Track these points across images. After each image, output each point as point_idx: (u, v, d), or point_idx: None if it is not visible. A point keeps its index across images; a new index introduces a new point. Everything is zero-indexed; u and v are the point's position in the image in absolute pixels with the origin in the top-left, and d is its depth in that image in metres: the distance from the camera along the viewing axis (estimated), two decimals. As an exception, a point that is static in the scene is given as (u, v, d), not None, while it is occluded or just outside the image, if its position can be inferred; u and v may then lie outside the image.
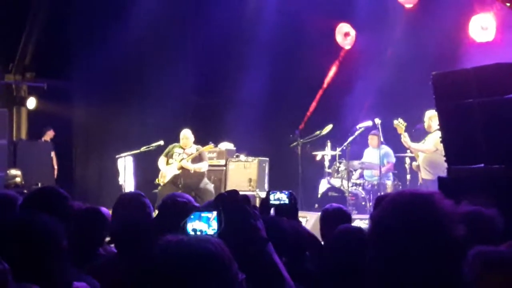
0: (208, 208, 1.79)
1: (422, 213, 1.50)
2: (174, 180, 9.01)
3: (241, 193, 1.88)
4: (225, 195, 1.82)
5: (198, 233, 1.73)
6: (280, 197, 3.19)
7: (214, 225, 1.74)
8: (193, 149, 9.19)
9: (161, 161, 9.27)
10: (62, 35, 11.86)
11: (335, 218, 3.65)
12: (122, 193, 3.29)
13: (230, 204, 1.77)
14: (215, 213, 1.75)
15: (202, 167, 9.14)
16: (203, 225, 1.75)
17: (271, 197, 3.19)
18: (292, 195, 3.21)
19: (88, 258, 3.14)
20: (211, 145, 9.47)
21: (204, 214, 1.76)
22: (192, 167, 9.02)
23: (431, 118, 8.29)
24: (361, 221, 7.36)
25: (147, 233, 2.94)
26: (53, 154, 11.68)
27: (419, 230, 1.48)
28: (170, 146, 9.35)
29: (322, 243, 3.53)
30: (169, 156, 9.23)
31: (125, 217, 3.20)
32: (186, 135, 9.24)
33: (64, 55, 11.93)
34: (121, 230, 3.08)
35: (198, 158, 9.17)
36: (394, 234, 1.49)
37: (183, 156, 9.12)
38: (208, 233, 1.72)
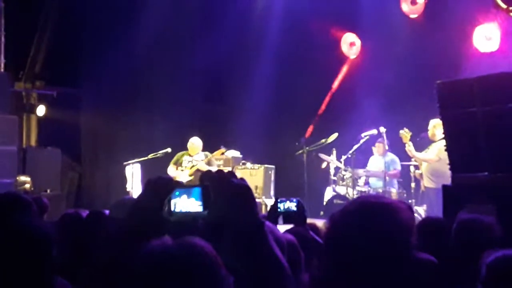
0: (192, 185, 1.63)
1: (381, 219, 1.51)
2: None
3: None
4: (215, 175, 1.58)
5: (185, 210, 1.58)
6: (289, 205, 3.21)
7: (199, 202, 1.57)
8: (201, 155, 9.29)
9: (171, 169, 9.33)
10: (72, 43, 11.97)
11: None
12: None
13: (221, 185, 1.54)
14: (200, 189, 1.57)
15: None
16: (191, 201, 1.57)
17: (280, 205, 3.21)
18: (300, 202, 3.22)
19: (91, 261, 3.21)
20: (223, 149, 9.54)
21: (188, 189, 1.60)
22: (206, 168, 9.05)
23: (436, 126, 8.34)
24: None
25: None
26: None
27: (375, 236, 1.49)
28: (179, 154, 9.45)
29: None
30: (178, 164, 9.32)
31: (117, 218, 3.26)
32: (194, 142, 9.40)
33: (74, 63, 12.02)
34: (115, 231, 3.15)
35: (206, 164, 9.23)
36: (352, 238, 1.50)
37: (192, 164, 9.20)
38: (196, 211, 1.55)
